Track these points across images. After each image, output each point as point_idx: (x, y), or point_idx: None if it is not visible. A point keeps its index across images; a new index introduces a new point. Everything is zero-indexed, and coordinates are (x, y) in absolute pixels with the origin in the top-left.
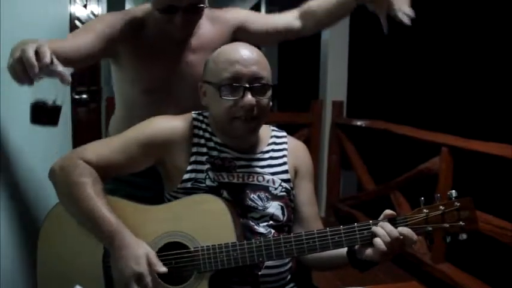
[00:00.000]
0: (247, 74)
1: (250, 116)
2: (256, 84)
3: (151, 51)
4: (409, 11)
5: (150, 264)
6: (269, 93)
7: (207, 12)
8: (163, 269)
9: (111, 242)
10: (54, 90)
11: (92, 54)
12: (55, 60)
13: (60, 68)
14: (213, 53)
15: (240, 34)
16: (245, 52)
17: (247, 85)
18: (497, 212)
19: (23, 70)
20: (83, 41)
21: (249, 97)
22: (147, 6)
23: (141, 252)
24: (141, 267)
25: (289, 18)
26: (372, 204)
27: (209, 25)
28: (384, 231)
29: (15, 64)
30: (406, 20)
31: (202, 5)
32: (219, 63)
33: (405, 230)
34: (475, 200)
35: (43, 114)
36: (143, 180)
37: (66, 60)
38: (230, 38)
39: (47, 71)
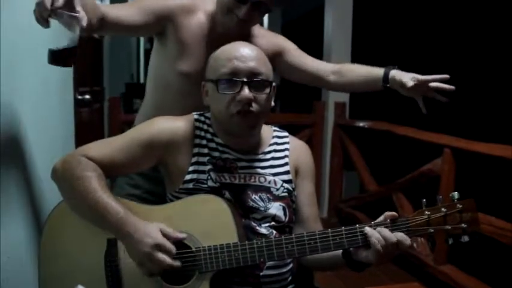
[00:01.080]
0: (245, 69)
1: (247, 110)
2: (254, 79)
3: (198, 36)
4: (446, 87)
5: (165, 234)
6: (268, 89)
7: (260, 28)
8: (181, 235)
9: (120, 229)
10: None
11: (139, 25)
12: (77, 6)
13: (75, 12)
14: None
15: (275, 58)
16: (244, 49)
17: (244, 79)
18: (500, 213)
19: (39, 12)
20: (134, 11)
21: (246, 91)
22: None
23: (152, 227)
24: (156, 238)
25: (324, 69)
26: (374, 206)
27: (257, 38)
28: (379, 235)
29: (35, 7)
30: (444, 99)
31: (269, 7)
32: (218, 60)
33: (399, 235)
34: (478, 202)
35: (57, 56)
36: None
37: (116, 25)
38: (273, 55)
39: (60, 13)
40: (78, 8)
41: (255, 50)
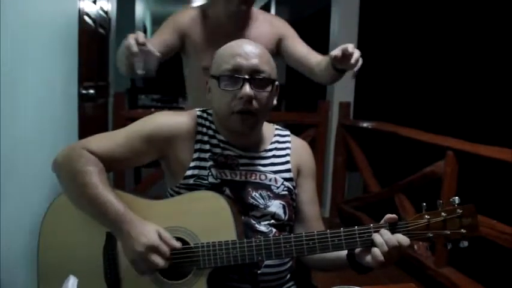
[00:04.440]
0: (247, 66)
1: (248, 108)
2: (255, 77)
3: (209, 35)
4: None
5: (162, 238)
6: (269, 87)
7: (263, 13)
8: (177, 244)
9: (119, 226)
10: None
11: (171, 48)
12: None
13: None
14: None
15: (279, 43)
16: (248, 47)
17: (246, 77)
18: (502, 217)
19: (128, 56)
20: (163, 38)
21: (247, 88)
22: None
23: (150, 228)
24: (152, 239)
25: (313, 63)
26: (377, 206)
27: (263, 22)
28: (382, 239)
29: (126, 51)
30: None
31: None
32: (222, 56)
33: (401, 237)
34: (480, 205)
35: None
36: None
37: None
38: (276, 41)
39: (142, 50)
40: (149, 44)
41: (259, 47)
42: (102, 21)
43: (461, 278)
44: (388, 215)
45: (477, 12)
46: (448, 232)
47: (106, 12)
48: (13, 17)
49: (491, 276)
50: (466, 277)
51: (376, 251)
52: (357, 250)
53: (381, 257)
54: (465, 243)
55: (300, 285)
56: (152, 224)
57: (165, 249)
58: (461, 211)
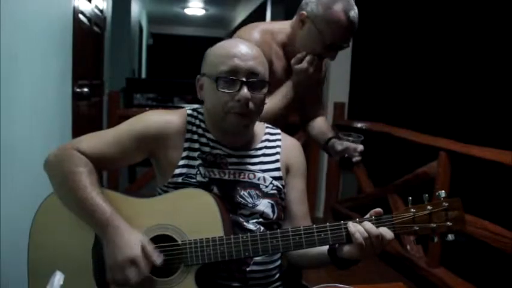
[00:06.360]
0: (244, 68)
1: (244, 110)
2: (252, 79)
3: (278, 66)
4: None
5: (145, 252)
6: (265, 89)
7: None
8: (159, 259)
9: (104, 229)
10: None
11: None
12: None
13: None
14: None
15: None
16: (243, 47)
17: (243, 79)
18: (494, 218)
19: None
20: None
21: (245, 91)
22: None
23: (135, 239)
24: (135, 251)
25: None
26: (370, 207)
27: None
28: (361, 227)
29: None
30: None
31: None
32: (217, 56)
33: (381, 229)
34: (473, 206)
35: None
36: None
37: None
38: None
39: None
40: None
41: (253, 48)
42: (97, 19)
43: (453, 278)
44: (373, 210)
45: (470, 14)
46: (434, 225)
47: (101, 11)
48: (7, 15)
49: (484, 277)
50: (458, 277)
51: (357, 236)
52: (337, 245)
53: (361, 240)
54: (451, 237)
55: (290, 284)
56: (138, 234)
57: (143, 267)
58: (447, 204)
